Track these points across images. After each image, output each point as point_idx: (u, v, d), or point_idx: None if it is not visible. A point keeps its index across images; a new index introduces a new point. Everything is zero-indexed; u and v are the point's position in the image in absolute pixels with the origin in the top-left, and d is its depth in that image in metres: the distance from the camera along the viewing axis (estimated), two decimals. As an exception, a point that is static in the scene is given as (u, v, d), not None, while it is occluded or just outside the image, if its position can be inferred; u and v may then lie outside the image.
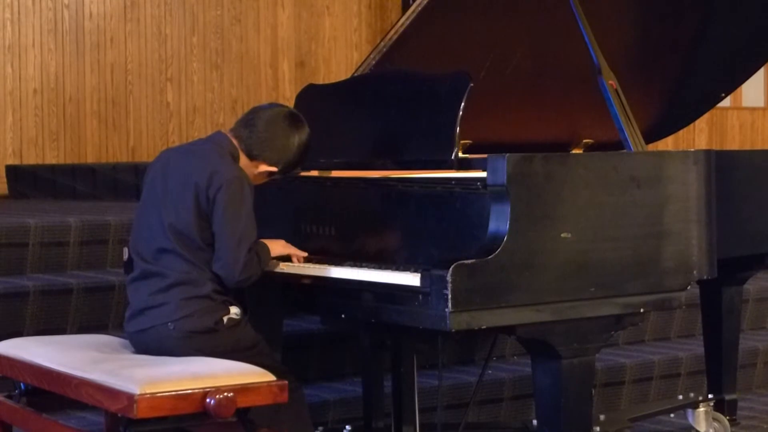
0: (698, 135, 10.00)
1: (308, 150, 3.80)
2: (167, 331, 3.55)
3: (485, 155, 3.50)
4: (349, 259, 3.74)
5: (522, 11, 4.40)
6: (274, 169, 3.74)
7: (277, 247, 3.80)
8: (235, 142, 3.72)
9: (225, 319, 3.60)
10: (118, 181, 6.96)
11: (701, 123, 9.83)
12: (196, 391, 3.24)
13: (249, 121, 3.74)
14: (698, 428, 4.83)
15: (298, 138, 3.75)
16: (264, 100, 8.29)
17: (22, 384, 3.70)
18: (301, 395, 3.73)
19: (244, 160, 3.71)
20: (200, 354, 3.52)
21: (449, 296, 3.28)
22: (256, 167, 3.73)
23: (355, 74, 4.35)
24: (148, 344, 3.59)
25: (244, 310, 3.70)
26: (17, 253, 5.03)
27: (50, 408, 3.71)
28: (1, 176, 7.25)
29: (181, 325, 3.55)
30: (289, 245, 3.84)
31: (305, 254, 3.84)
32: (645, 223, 3.68)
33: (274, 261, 3.79)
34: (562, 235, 3.49)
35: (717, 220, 3.85)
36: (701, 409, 4.83)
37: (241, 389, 3.29)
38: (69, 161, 7.47)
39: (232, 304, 3.64)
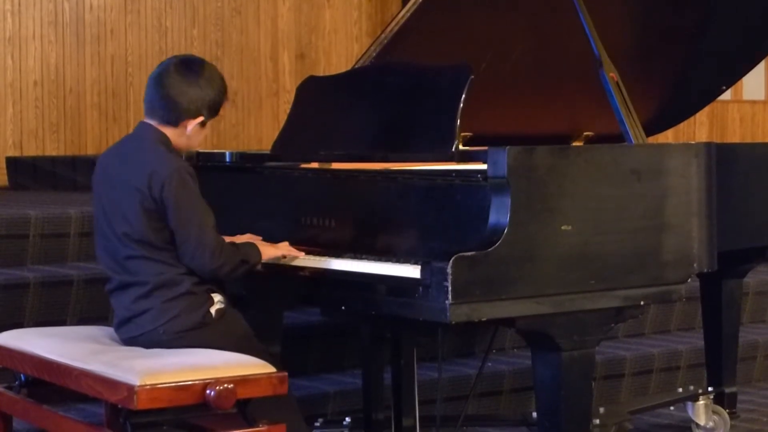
0: (699, 128, 10.00)
1: (221, 80, 3.68)
2: (158, 336, 3.53)
3: (486, 147, 3.50)
4: (349, 251, 3.74)
5: (523, 3, 4.40)
6: (201, 119, 3.62)
7: (269, 250, 3.73)
8: (154, 123, 3.61)
9: (213, 311, 3.57)
10: (118, 173, 6.95)
11: (702, 116, 9.83)
12: (196, 382, 3.25)
13: (152, 95, 3.63)
14: (698, 421, 4.84)
15: (202, 80, 3.62)
16: (264, 92, 8.30)
17: (22, 375, 3.70)
18: (290, 392, 3.69)
19: (172, 133, 3.61)
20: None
21: (449, 288, 3.27)
22: (186, 128, 3.62)
23: (356, 66, 4.35)
24: (142, 347, 3.57)
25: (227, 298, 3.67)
26: (17, 244, 5.03)
27: (50, 399, 3.71)
28: (1, 168, 7.25)
29: (170, 327, 3.52)
30: (279, 248, 3.77)
31: (301, 254, 3.77)
32: (645, 216, 3.68)
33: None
34: (563, 227, 3.49)
35: (717, 213, 3.85)
36: (701, 402, 4.83)
37: (241, 380, 3.29)
38: (69, 153, 7.47)
39: (214, 292, 3.60)
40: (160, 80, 3.62)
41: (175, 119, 3.61)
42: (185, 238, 3.52)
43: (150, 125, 3.63)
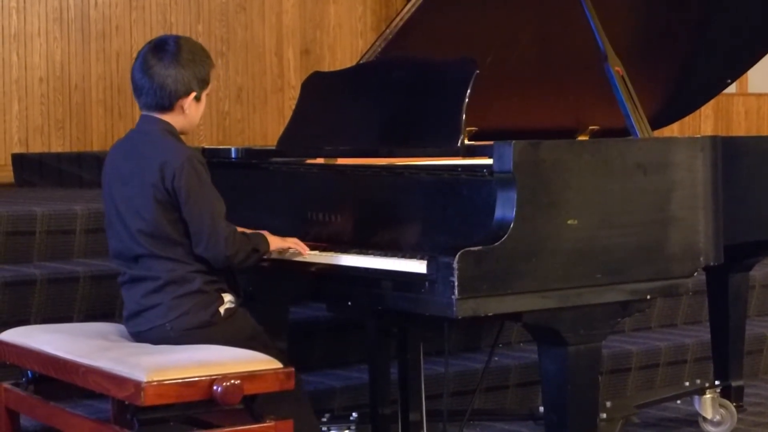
0: (704, 121, 9.99)
1: (201, 50, 3.66)
2: (165, 332, 3.53)
3: (491, 142, 3.50)
4: (355, 246, 3.74)
5: (528, -3, 4.41)
6: (192, 94, 3.61)
7: (277, 241, 3.73)
8: (155, 113, 3.61)
9: (222, 310, 3.56)
10: (123, 170, 6.96)
11: (707, 109, 9.83)
12: (203, 378, 3.25)
13: (139, 88, 3.62)
14: (705, 415, 4.84)
15: (181, 57, 3.60)
16: (269, 88, 8.30)
17: (29, 372, 3.70)
18: (301, 387, 3.69)
19: (171, 118, 3.61)
20: (203, 347, 3.51)
21: (455, 283, 3.27)
22: (183, 108, 3.61)
23: (361, 62, 4.35)
24: (150, 342, 3.57)
25: (238, 296, 3.66)
26: (24, 241, 5.03)
27: (58, 396, 3.72)
28: (7, 164, 7.26)
29: (178, 324, 3.52)
30: (287, 241, 3.76)
31: (307, 250, 3.77)
32: (651, 210, 3.67)
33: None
34: (569, 221, 3.49)
35: (723, 207, 3.84)
36: (708, 395, 4.83)
37: (248, 376, 3.29)
38: (75, 149, 7.48)
39: (225, 292, 3.60)
40: (141, 71, 3.62)
41: (169, 104, 3.60)
42: (199, 228, 3.51)
43: (152, 117, 3.62)
